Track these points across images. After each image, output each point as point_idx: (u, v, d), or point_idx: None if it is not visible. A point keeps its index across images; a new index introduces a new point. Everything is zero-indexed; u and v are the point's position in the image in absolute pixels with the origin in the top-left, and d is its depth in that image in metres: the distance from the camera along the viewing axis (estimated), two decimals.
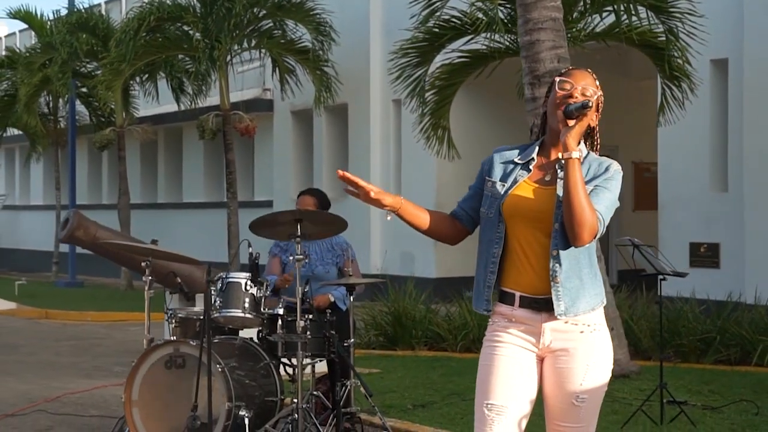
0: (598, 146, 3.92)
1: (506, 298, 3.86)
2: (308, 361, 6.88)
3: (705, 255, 13.92)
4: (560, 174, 3.75)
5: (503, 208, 3.83)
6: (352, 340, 6.90)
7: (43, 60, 22.87)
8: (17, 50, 25.64)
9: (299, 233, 6.54)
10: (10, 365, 11.11)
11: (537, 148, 3.91)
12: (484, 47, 12.03)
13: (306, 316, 6.65)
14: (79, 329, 15.00)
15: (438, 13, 11.92)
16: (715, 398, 8.31)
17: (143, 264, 6.86)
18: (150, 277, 6.86)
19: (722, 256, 13.69)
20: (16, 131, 26.66)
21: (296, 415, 6.47)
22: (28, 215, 29.95)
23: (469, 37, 12.02)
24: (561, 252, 3.75)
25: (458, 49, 12.12)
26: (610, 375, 3.87)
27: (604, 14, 11.75)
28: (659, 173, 14.66)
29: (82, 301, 18.59)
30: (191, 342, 6.51)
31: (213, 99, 18.65)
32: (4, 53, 26.01)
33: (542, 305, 3.79)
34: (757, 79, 13.09)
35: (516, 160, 3.91)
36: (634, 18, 11.24)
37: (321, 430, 6.49)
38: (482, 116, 17.02)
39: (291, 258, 6.76)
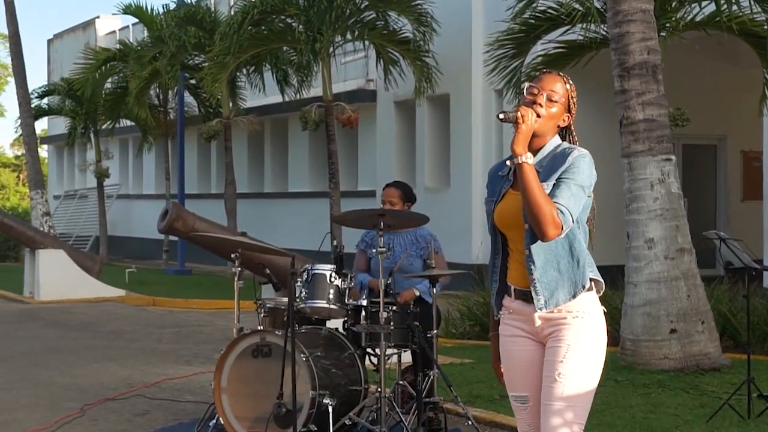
0: (575, 141, 4.15)
1: (507, 291, 4.18)
2: (392, 351, 7.03)
3: None
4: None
5: (495, 222, 4.14)
6: (435, 331, 7.00)
7: (153, 53, 23.44)
8: (129, 44, 26.30)
9: (382, 227, 6.69)
10: (113, 351, 11.48)
11: None
12: (580, 38, 12.00)
13: (389, 308, 6.79)
14: (184, 316, 15.38)
15: (534, 4, 11.93)
16: None
17: (233, 255, 7.07)
18: (240, 268, 7.06)
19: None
20: (128, 122, 27.32)
21: (379, 404, 6.63)
22: (140, 204, 30.68)
23: (566, 27, 12.01)
24: (532, 249, 4.00)
25: (554, 40, 12.12)
26: (598, 361, 4.06)
27: (704, 3, 11.63)
28: (764, 163, 14.43)
29: (189, 288, 19.03)
30: (277, 332, 6.70)
31: (316, 90, 18.87)
32: (117, 47, 26.67)
33: (530, 297, 4.07)
34: None
35: (501, 173, 4.17)
36: (734, 7, 11.10)
37: (404, 418, 6.62)
38: (578, 107, 16.85)
39: (374, 250, 6.91)
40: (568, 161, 4.00)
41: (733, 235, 11.16)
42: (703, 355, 8.73)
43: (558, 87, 4.08)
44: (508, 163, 4.05)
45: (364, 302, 6.90)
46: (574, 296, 4.03)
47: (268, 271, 7.35)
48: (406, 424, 6.58)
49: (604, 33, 11.84)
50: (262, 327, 6.89)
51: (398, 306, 6.85)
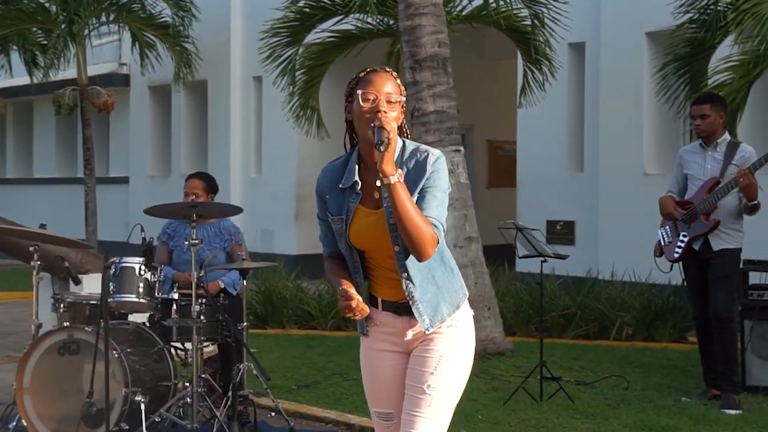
0: (408, 136, 3.91)
1: (373, 302, 3.94)
2: (200, 345, 6.92)
3: (561, 232, 14.38)
4: (385, 194, 3.70)
5: (351, 242, 3.86)
6: (246, 323, 6.95)
7: None
8: None
9: (195, 218, 6.58)
10: None
11: (356, 167, 3.83)
12: (353, 28, 12.16)
13: (200, 301, 6.69)
14: None
15: None
16: (585, 373, 8.66)
17: (32, 249, 6.75)
18: (39, 262, 6.77)
19: (577, 234, 14.17)
20: None
21: (188, 399, 6.53)
22: None
23: (340, 17, 12.13)
24: (409, 269, 3.78)
25: (329, 29, 12.21)
26: (467, 372, 3.91)
27: None
28: (518, 153, 15.06)
29: None
30: (86, 328, 6.47)
31: (67, 73, 18.20)
32: None
33: (402, 309, 3.86)
34: (612, 63, 13.57)
35: (341, 185, 3.85)
36: (501, 2, 11.53)
37: (217, 413, 6.54)
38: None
39: (186, 243, 6.80)
40: (428, 168, 3.74)
41: (480, 220, 11.67)
42: (489, 340, 9.05)
43: (391, 86, 3.79)
44: (378, 183, 3.68)
45: (176, 296, 6.78)
46: (457, 307, 3.88)
47: (66, 264, 7.09)
48: (219, 418, 6.50)
49: (377, 24, 12.07)
50: (68, 323, 6.63)
51: (209, 299, 6.76)
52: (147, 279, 6.67)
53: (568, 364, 9.02)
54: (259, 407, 7.35)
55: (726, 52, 10.24)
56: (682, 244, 7.74)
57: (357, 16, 11.95)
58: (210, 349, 7.28)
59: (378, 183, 3.68)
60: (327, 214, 3.90)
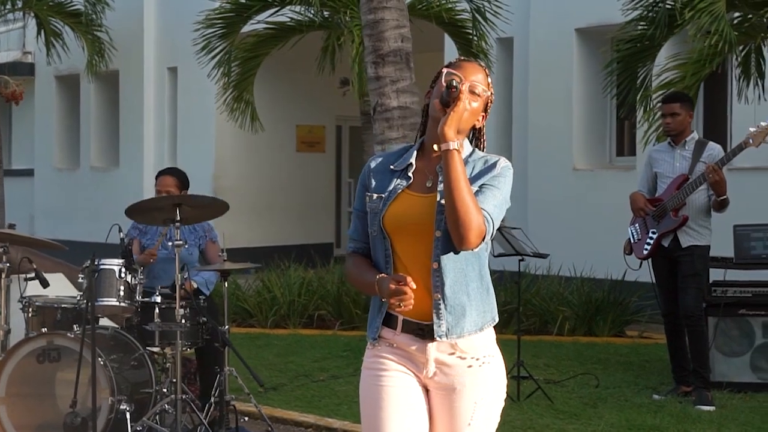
0: (484, 147, 3.57)
1: (388, 321, 3.45)
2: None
3: None
4: (442, 177, 3.35)
5: (384, 224, 3.41)
6: (227, 327, 6.70)
7: None
8: None
9: (179, 217, 6.33)
10: None
11: (415, 152, 3.51)
12: (289, 19, 11.95)
13: (183, 303, 6.43)
14: None
15: None
16: (551, 372, 8.64)
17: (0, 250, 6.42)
18: (8, 264, 6.43)
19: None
20: None
21: (167, 407, 6.29)
22: None
23: (277, 8, 11.90)
24: (443, 263, 3.35)
25: (265, 21, 11.97)
26: (501, 410, 3.51)
27: None
28: None
29: None
30: (68, 334, 6.16)
31: None
32: None
33: (427, 332, 3.39)
34: (542, 59, 13.61)
35: (393, 167, 3.50)
36: None
37: (203, 420, 6.31)
38: (284, 90, 16.77)
39: (170, 244, 6.55)
40: (497, 169, 3.43)
41: None
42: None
43: (481, 78, 3.45)
44: (435, 147, 3.33)
45: (158, 299, 6.50)
46: (481, 329, 3.41)
47: (35, 265, 6.74)
48: (207, 425, 6.27)
49: (312, 16, 11.88)
50: (45, 329, 6.30)
51: (194, 302, 6.52)
52: (127, 282, 6.38)
53: (533, 361, 8.96)
54: (243, 414, 7.15)
55: (670, 50, 10.38)
56: (651, 241, 7.76)
57: (293, 8, 11.73)
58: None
59: (435, 147, 3.33)
60: (366, 201, 3.49)
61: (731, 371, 8.06)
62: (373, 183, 3.50)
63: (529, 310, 11.00)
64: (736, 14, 9.61)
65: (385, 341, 3.46)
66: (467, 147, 3.48)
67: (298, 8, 11.76)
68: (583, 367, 8.73)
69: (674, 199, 7.61)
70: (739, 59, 9.74)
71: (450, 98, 3.33)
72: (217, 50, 11.96)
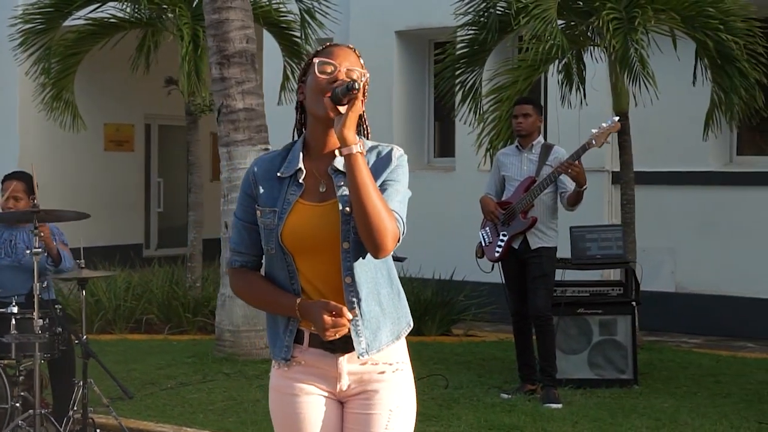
0: (368, 134, 3.33)
1: (295, 337, 3.25)
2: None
3: None
4: (338, 181, 3.17)
5: (283, 241, 3.17)
6: (85, 337, 6.43)
7: None
8: None
9: (36, 225, 6.08)
10: None
11: (301, 154, 3.25)
12: (111, 16, 11.63)
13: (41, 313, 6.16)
14: None
15: None
16: None
17: None
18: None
19: None
20: None
21: (21, 423, 6.03)
22: None
23: (98, 4, 11.55)
24: (356, 276, 3.16)
25: (85, 17, 11.59)
26: (414, 419, 3.39)
27: None
28: (270, 149, 14.90)
29: None
30: None
31: None
32: None
33: (337, 345, 3.19)
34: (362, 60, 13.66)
35: (280, 174, 3.24)
36: None
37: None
38: (91, 88, 16.19)
39: (28, 251, 6.26)
40: (394, 161, 3.21)
41: (208, 212, 11.54)
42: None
43: (354, 61, 3.22)
44: (337, 152, 3.12)
45: (15, 309, 6.20)
46: (398, 337, 3.27)
47: None
48: None
49: (133, 13, 11.59)
50: None
51: (52, 311, 6.25)
52: None
53: None
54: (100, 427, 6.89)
55: (497, 56, 10.66)
56: (502, 244, 7.94)
57: (115, 4, 11.42)
58: (29, 363, 6.73)
59: (337, 153, 3.13)
60: (253, 210, 3.24)
61: (570, 368, 8.32)
62: (261, 193, 3.23)
63: None
64: (560, 21, 9.92)
65: (294, 360, 3.25)
66: (362, 139, 3.24)
67: (120, 5, 11.42)
68: (427, 368, 8.83)
69: (523, 201, 7.81)
70: (560, 66, 10.07)
71: (345, 97, 3.08)
72: (36, 46, 11.48)
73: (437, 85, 10.63)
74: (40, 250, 6.04)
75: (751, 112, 9.58)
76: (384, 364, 3.27)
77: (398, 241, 3.12)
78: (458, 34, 10.23)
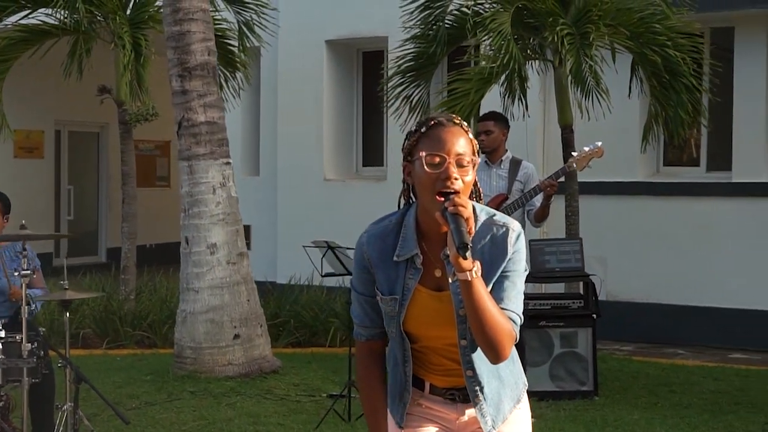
0: (480, 198, 3.21)
1: (415, 383, 3.27)
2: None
3: None
4: (449, 269, 2.99)
5: (405, 329, 3.16)
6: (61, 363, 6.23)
7: None
8: None
9: (25, 247, 5.88)
10: None
11: (416, 236, 3.13)
12: (41, 23, 11.33)
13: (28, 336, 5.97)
14: None
15: None
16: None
17: None
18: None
19: (254, 239, 14.07)
20: None
21: None
22: None
23: (29, 11, 11.23)
24: (476, 364, 3.15)
25: (15, 23, 11.26)
26: None
27: None
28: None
29: None
30: None
31: None
32: None
33: (458, 397, 3.25)
34: (291, 68, 13.60)
35: (396, 257, 3.14)
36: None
37: None
38: (12, 93, 15.66)
39: (16, 274, 6.04)
40: (509, 249, 3.08)
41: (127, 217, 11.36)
42: (262, 359, 8.80)
43: (463, 144, 3.05)
44: (450, 279, 2.99)
45: (2, 333, 5.98)
46: (518, 401, 3.29)
47: None
48: None
49: (63, 20, 11.29)
50: None
51: (39, 334, 6.05)
52: None
53: (332, 377, 8.94)
54: None
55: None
56: None
57: (47, 11, 11.11)
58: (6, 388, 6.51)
59: (450, 279, 2.98)
60: (372, 285, 3.17)
61: (532, 380, 8.18)
62: (379, 277, 3.15)
63: (298, 322, 10.97)
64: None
65: (413, 402, 3.28)
66: (477, 265, 2.98)
67: (50, 11, 11.11)
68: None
69: None
70: (503, 79, 10.13)
71: (465, 249, 2.87)
72: None
73: (383, 98, 10.60)
74: (29, 272, 5.83)
75: (695, 126, 9.81)
76: None
77: (515, 341, 3.08)
78: (404, 47, 10.18)
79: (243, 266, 8.82)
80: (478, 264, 2.93)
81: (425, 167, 3.01)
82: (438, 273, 3.12)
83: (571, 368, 8.43)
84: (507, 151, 8.13)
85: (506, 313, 3.03)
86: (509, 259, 3.08)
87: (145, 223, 14.50)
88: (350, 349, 7.44)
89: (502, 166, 8.01)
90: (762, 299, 10.90)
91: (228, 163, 8.83)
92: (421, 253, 3.12)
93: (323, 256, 7.53)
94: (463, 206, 2.91)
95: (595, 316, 8.53)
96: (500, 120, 8.15)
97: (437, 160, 3.01)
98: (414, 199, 3.17)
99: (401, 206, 3.21)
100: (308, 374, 8.88)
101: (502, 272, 3.08)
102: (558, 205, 8.99)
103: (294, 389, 8.40)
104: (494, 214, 3.16)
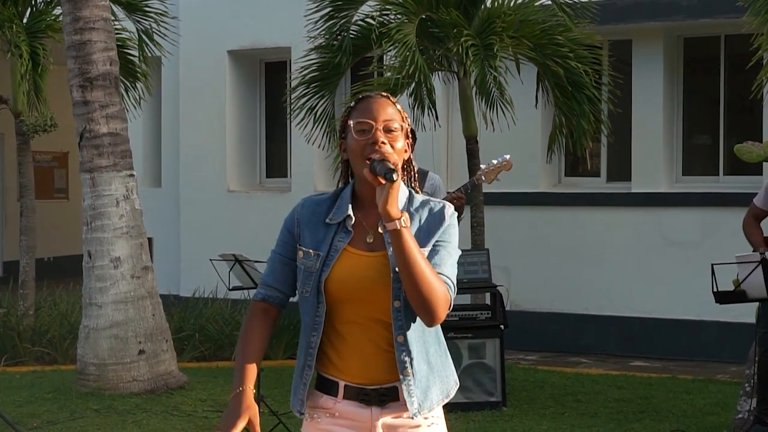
0: (416, 178, 3.27)
1: (326, 387, 3.18)
2: None
3: None
4: (387, 238, 3.04)
5: (326, 288, 3.10)
6: None
7: None
8: None
9: None
10: None
11: (350, 203, 3.18)
12: None
13: None
14: None
15: None
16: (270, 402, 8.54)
17: None
18: None
19: (156, 251, 13.86)
20: None
21: None
22: None
23: None
24: (408, 335, 3.10)
25: None
26: None
27: None
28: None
29: None
30: None
31: None
32: None
33: (373, 397, 3.14)
34: (193, 79, 13.47)
35: (328, 220, 3.17)
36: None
37: None
38: None
39: None
40: (446, 218, 3.14)
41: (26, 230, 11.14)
42: (168, 374, 8.65)
43: (392, 113, 3.13)
44: (380, 229, 3.03)
45: None
46: (447, 396, 3.22)
47: None
48: None
49: None
50: None
51: None
52: None
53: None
54: None
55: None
56: None
57: None
58: None
59: (380, 228, 3.04)
60: (293, 246, 3.18)
61: None
62: (306, 235, 3.16)
63: (203, 336, 10.83)
64: None
65: (324, 411, 3.17)
66: (403, 189, 3.15)
67: None
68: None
69: None
70: (411, 90, 10.15)
71: (393, 174, 2.96)
72: None
73: (286, 109, 10.54)
74: None
75: (596, 137, 9.93)
76: (419, 418, 3.17)
77: (449, 307, 3.07)
78: (308, 57, 10.13)
79: (148, 280, 8.66)
80: (406, 215, 2.99)
81: (354, 135, 3.11)
82: (370, 239, 3.15)
83: (480, 379, 8.45)
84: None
85: (441, 277, 3.06)
86: (444, 230, 3.14)
87: (43, 236, 14.17)
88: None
89: None
90: (661, 307, 11.09)
91: (132, 175, 8.67)
92: (354, 219, 3.16)
93: (230, 269, 7.44)
94: (388, 152, 3.04)
95: (502, 327, 8.57)
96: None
97: (365, 126, 3.09)
98: (351, 179, 3.23)
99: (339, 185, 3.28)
100: (215, 389, 8.76)
101: (437, 241, 3.13)
102: (464, 216, 9.01)
103: (201, 405, 8.28)
104: (430, 197, 3.25)
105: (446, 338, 8.03)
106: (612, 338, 11.32)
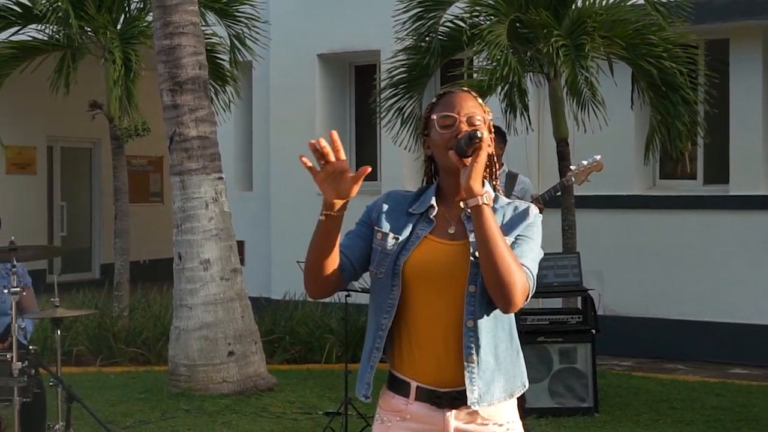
0: (497, 176, 3.24)
1: (399, 388, 3.10)
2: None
3: None
4: (469, 226, 3.05)
5: (404, 271, 3.06)
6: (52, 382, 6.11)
7: None
8: None
9: (14, 263, 5.77)
10: None
11: (434, 196, 3.17)
12: (31, 39, 11.24)
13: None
14: None
15: None
16: (358, 404, 8.51)
17: None
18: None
19: (247, 254, 13.97)
20: None
21: None
22: None
23: (19, 27, 11.15)
24: (479, 322, 3.03)
25: (5, 40, 11.17)
26: None
27: None
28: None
29: None
30: None
31: None
32: None
33: (445, 400, 3.07)
34: (283, 82, 13.52)
35: (411, 210, 3.16)
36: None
37: None
38: (3, 108, 15.59)
39: (5, 291, 5.92)
40: (529, 217, 3.11)
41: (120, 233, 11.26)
42: (257, 376, 8.69)
43: (473, 105, 3.11)
44: (462, 204, 3.00)
45: None
46: (511, 395, 3.11)
47: None
48: None
49: (54, 35, 11.20)
50: None
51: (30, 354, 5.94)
52: None
53: (328, 394, 8.82)
54: None
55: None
56: None
57: (38, 26, 11.01)
58: None
59: (462, 204, 3.00)
60: (368, 227, 3.18)
61: (531, 397, 8.24)
62: (385, 220, 3.16)
63: (293, 338, 10.84)
64: None
65: (395, 414, 3.10)
66: (489, 190, 3.08)
67: (40, 27, 11.03)
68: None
69: None
70: (502, 93, 10.04)
71: (470, 148, 2.99)
72: None
73: (375, 110, 10.51)
74: (18, 289, 5.71)
75: (692, 139, 9.72)
76: (494, 425, 3.10)
77: (527, 298, 3.02)
78: (396, 58, 10.08)
79: (237, 282, 8.70)
80: (490, 191, 3.03)
81: (438, 129, 3.11)
82: (452, 230, 3.13)
83: (571, 384, 8.31)
84: (503, 164, 8.02)
85: (523, 268, 3.00)
86: (527, 226, 3.11)
87: (138, 239, 14.40)
88: (346, 365, 7.35)
89: (498, 180, 7.89)
90: (761, 313, 10.80)
91: (220, 178, 8.72)
92: (438, 211, 3.15)
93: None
94: (483, 140, 2.99)
95: (594, 331, 8.42)
96: (498, 134, 8.01)
97: (448, 121, 3.09)
98: (436, 179, 3.23)
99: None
100: (304, 391, 8.76)
101: (519, 235, 3.09)
102: (554, 219, 8.88)
103: (290, 407, 8.29)
104: (516, 200, 3.29)
105: (536, 342, 8.04)
106: (710, 344, 11.05)
